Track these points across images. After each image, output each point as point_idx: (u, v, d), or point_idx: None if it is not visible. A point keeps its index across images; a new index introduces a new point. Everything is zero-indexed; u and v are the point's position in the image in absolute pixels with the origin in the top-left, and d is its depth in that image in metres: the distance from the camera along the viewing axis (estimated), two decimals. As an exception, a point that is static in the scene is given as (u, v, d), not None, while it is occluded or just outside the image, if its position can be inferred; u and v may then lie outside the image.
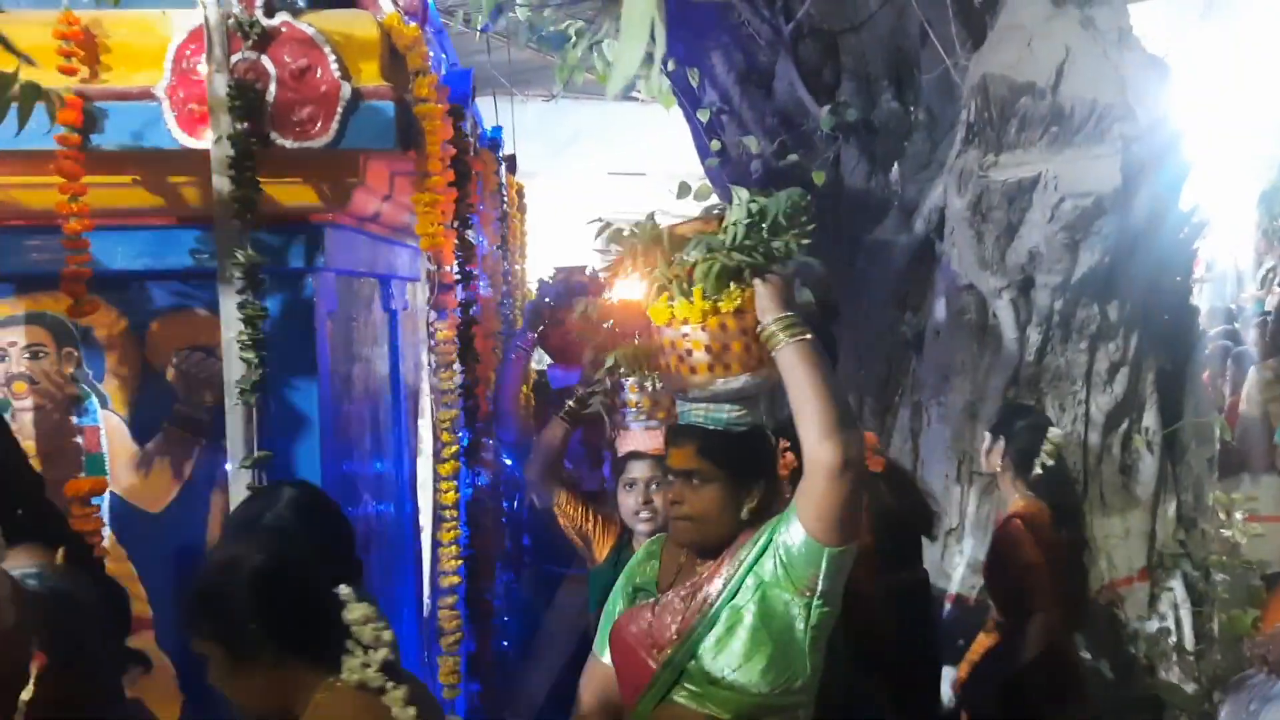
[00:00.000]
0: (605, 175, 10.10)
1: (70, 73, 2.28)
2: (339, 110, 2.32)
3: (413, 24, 2.54)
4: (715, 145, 4.91)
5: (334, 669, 1.64)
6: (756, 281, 1.90)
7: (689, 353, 1.95)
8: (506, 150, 5.28)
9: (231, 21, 2.26)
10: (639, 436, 3.05)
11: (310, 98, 2.32)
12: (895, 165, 4.64)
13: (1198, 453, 4.12)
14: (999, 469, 3.37)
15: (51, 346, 2.57)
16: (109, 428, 2.59)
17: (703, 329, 1.93)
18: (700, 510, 1.99)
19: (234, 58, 2.29)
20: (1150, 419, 3.99)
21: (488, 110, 6.69)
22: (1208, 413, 4.21)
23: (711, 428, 1.99)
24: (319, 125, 2.34)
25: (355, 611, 1.64)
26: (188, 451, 2.60)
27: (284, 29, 2.32)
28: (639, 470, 2.89)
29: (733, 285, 1.91)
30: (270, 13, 2.30)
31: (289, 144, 2.34)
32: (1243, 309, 7.95)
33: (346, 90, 2.33)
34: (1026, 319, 3.91)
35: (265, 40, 2.30)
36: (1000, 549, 3.29)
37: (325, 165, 2.44)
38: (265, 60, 2.31)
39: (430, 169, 2.63)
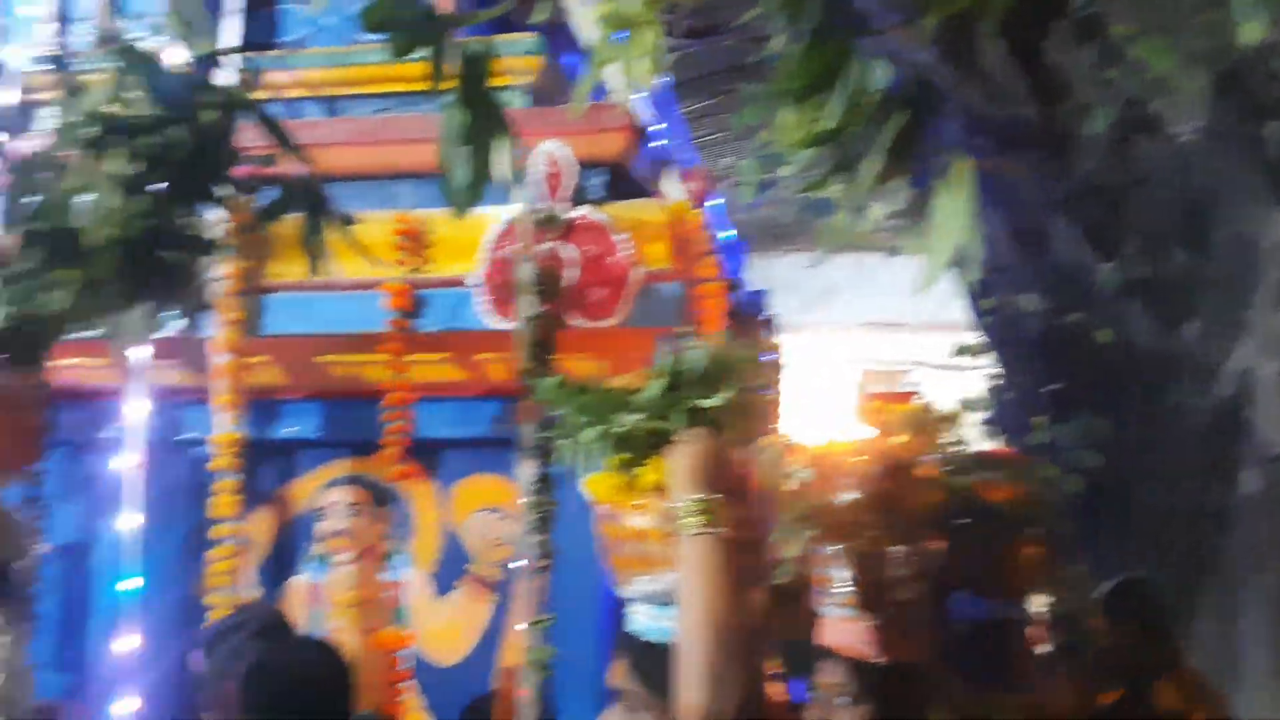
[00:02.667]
0: (862, 327, 10.10)
1: (404, 264, 2.59)
2: (630, 293, 2.49)
3: (697, 210, 2.70)
4: (989, 303, 4.81)
5: None
6: (671, 452, 1.48)
7: (613, 539, 1.62)
8: (768, 312, 5.41)
9: (540, 216, 2.50)
10: (838, 628, 2.31)
11: (604, 281, 2.51)
12: (1187, 324, 4.36)
13: None
14: None
15: (368, 505, 2.83)
16: (413, 582, 2.80)
17: (620, 511, 1.59)
18: None
19: (539, 247, 2.52)
20: None
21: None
22: None
23: (651, 639, 1.56)
24: (611, 306, 2.51)
25: None
26: (482, 607, 2.76)
27: (584, 220, 2.53)
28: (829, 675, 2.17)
29: (654, 457, 1.51)
30: (574, 206, 2.53)
31: (584, 324, 2.52)
32: None
33: (637, 274, 2.50)
34: (1356, 495, 3.49)
35: (567, 231, 2.52)
36: None
37: (615, 341, 2.61)
38: (567, 248, 2.52)
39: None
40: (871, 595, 1.99)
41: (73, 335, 2.05)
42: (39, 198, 1.99)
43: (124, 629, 2.58)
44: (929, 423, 1.88)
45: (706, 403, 1.48)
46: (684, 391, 1.50)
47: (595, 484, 1.62)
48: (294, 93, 2.99)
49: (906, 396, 1.92)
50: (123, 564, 2.63)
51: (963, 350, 4.32)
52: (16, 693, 1.91)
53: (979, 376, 5.45)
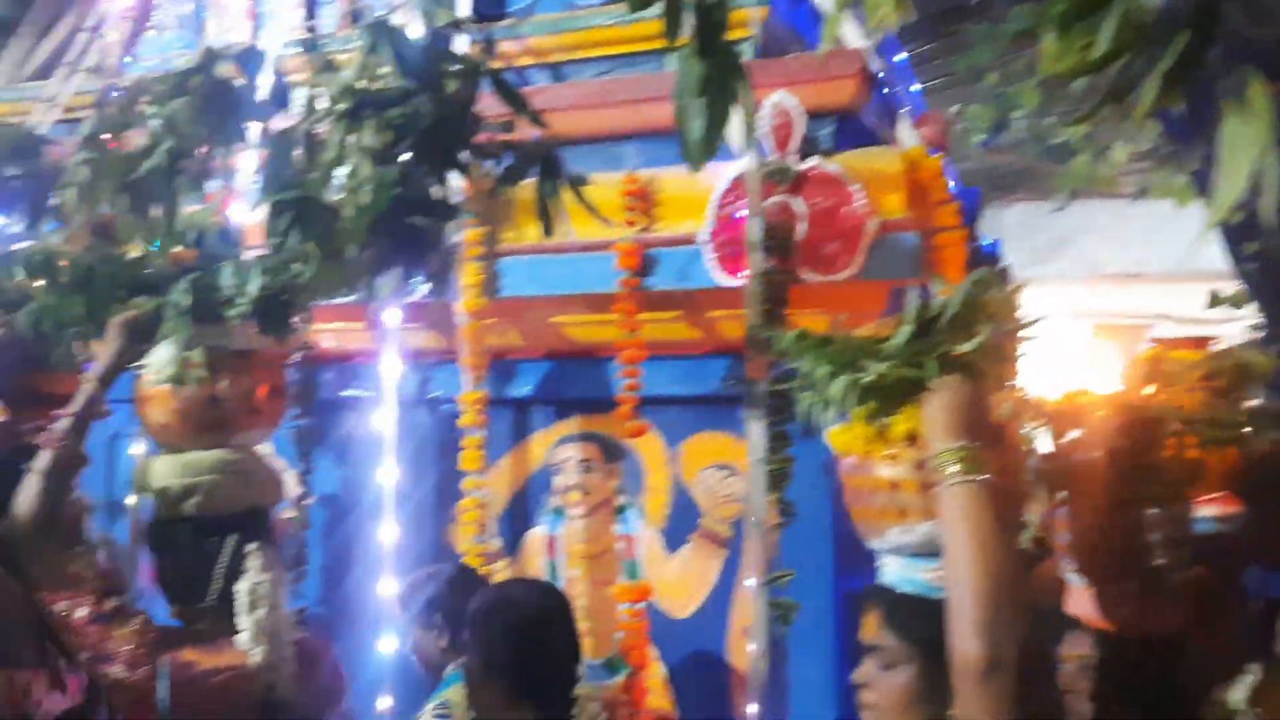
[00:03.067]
0: (1098, 278, 9.51)
1: (632, 224, 2.61)
2: (865, 244, 2.41)
3: (935, 155, 2.58)
4: (1253, 248, 4.38)
5: None
6: (927, 398, 1.44)
7: (861, 492, 1.58)
8: (1003, 263, 5.16)
9: (769, 169, 2.46)
10: (1080, 596, 1.93)
11: (837, 234, 2.44)
12: None
13: None
14: None
15: (600, 461, 2.90)
16: (645, 536, 2.85)
17: (870, 462, 1.54)
18: (883, 702, 1.52)
19: (768, 201, 2.48)
20: None
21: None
22: None
23: (905, 591, 1.52)
24: (845, 259, 2.44)
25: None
26: (713, 562, 2.78)
27: (814, 171, 2.47)
28: (1075, 649, 1.92)
29: (905, 406, 1.47)
30: (803, 158, 2.47)
31: (816, 278, 2.47)
32: None
33: (872, 225, 2.41)
34: None
35: (797, 183, 2.47)
36: None
37: (849, 295, 2.54)
38: (797, 201, 2.47)
39: (948, 295, 2.62)
40: (1120, 561, 1.82)
41: (328, 301, 2.17)
42: (291, 172, 2.12)
43: (382, 574, 2.77)
44: (1227, 373, 1.72)
45: (961, 348, 1.43)
46: (936, 337, 1.45)
47: (840, 435, 1.60)
48: (522, 60, 3.07)
49: (1202, 342, 1.77)
50: (380, 513, 2.81)
51: (1219, 301, 3.94)
52: (279, 628, 2.07)
53: (1238, 330, 4.99)
